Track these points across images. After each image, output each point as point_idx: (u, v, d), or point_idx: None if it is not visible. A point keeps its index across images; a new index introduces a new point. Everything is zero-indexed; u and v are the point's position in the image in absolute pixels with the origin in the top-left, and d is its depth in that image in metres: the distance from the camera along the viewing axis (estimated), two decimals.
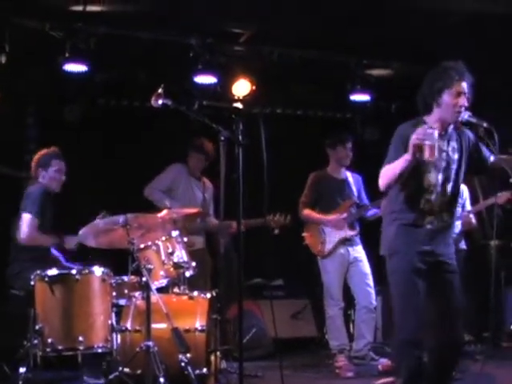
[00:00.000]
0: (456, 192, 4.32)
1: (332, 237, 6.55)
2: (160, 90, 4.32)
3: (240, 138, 4.01)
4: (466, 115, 4.17)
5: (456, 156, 4.28)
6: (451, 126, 4.29)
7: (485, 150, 4.35)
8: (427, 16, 6.49)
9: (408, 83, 4.63)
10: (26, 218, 5.43)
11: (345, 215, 6.55)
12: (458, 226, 6.42)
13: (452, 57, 4.28)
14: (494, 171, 4.34)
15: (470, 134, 4.36)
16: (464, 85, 4.17)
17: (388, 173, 4.12)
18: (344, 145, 6.66)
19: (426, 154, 3.95)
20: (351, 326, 7.28)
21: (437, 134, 3.98)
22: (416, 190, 4.19)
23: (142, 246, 5.41)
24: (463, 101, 4.16)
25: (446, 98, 4.16)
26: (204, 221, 6.91)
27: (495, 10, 6.37)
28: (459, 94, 4.15)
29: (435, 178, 4.20)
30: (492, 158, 4.33)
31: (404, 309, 4.17)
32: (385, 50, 7.30)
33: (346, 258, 6.56)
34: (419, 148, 3.94)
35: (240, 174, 3.94)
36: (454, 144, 4.29)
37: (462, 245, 6.72)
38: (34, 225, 5.44)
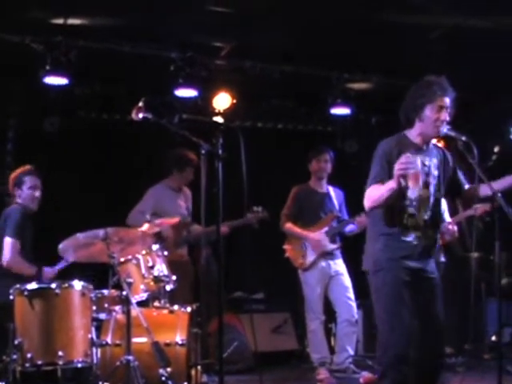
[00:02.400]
0: (438, 207, 4.35)
1: (313, 250, 6.55)
2: (141, 104, 4.30)
3: (220, 151, 4.02)
4: (445, 129, 4.22)
5: (436, 172, 4.31)
6: (432, 141, 4.35)
7: (461, 176, 4.43)
8: (408, 30, 6.54)
9: (387, 96, 4.65)
10: (8, 242, 5.40)
11: (326, 229, 6.56)
12: (437, 239, 6.43)
13: (433, 71, 4.33)
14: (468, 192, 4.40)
15: (449, 156, 4.42)
16: (446, 100, 4.22)
17: (374, 196, 4.14)
18: (318, 158, 6.67)
19: (411, 183, 4.01)
20: (332, 339, 7.29)
21: (420, 162, 4.04)
22: (399, 205, 4.19)
23: (122, 259, 5.37)
24: (444, 115, 4.21)
25: (428, 112, 4.21)
26: (189, 231, 6.86)
27: (476, 25, 6.43)
28: (441, 108, 4.21)
29: (417, 192, 4.19)
30: (466, 186, 4.41)
31: (394, 324, 4.14)
32: (365, 63, 7.35)
33: (326, 271, 6.55)
34: (403, 177, 3.97)
35: (220, 187, 3.95)
36: (435, 160, 4.32)
37: (442, 257, 6.73)
38: (16, 248, 5.41)
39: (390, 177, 4.07)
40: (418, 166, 4.01)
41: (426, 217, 4.25)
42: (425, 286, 4.26)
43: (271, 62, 7.39)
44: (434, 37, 6.62)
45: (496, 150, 7.61)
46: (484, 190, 4.29)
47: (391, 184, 4.00)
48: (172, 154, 6.93)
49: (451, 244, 7.01)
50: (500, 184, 4.24)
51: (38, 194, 5.67)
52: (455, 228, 6.58)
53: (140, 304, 5.28)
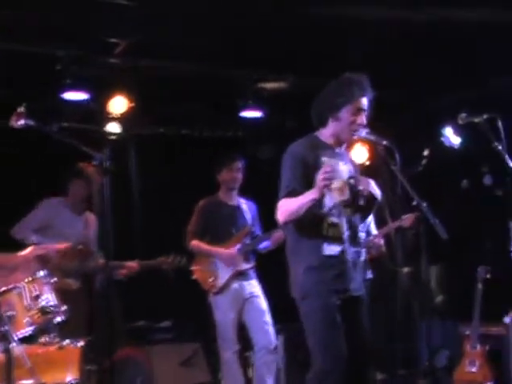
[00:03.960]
0: (359, 216, 4.36)
1: (225, 270, 6.50)
2: (21, 109, 4.19)
3: (107, 164, 3.99)
4: (363, 132, 4.28)
5: (353, 180, 4.30)
6: (344, 145, 4.42)
7: None
8: (328, 25, 6.47)
9: (304, 98, 4.61)
10: None
11: (238, 246, 6.52)
12: (363, 253, 6.40)
13: (354, 69, 4.35)
14: (394, 196, 4.39)
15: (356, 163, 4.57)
16: (365, 101, 4.29)
17: (290, 209, 4.13)
18: (229, 166, 6.64)
19: (336, 195, 4.02)
20: (250, 369, 7.20)
21: (346, 169, 4.12)
22: (317, 214, 4.18)
23: (1, 289, 5.09)
24: (362, 119, 4.28)
25: (345, 113, 4.27)
26: (84, 261, 6.65)
27: (409, 18, 6.40)
28: (359, 110, 4.27)
29: (335, 199, 4.16)
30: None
31: (328, 351, 4.17)
32: (279, 61, 7.23)
33: (240, 293, 6.51)
34: (327, 187, 3.99)
35: (108, 205, 3.88)
36: (349, 166, 4.37)
37: (369, 274, 6.70)
38: None
39: (306, 184, 4.05)
40: (342, 174, 4.03)
41: (346, 227, 4.26)
42: (351, 305, 4.28)
43: (173, 61, 7.25)
44: (353, 32, 6.56)
45: (425, 153, 7.69)
46: None
47: (313, 194, 4.01)
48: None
49: (379, 258, 7.02)
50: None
51: None
52: (382, 241, 6.60)
53: (25, 340, 5.01)
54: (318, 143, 4.31)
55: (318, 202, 4.14)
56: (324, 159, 4.19)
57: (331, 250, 4.20)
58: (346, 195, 4.03)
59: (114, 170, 3.91)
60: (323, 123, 4.33)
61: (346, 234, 4.23)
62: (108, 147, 3.99)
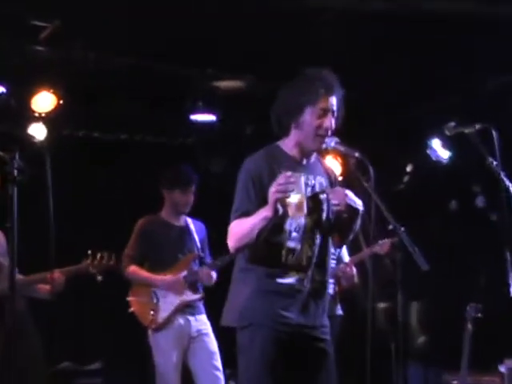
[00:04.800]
0: (328, 240, 4.32)
1: (167, 302, 6.47)
2: None
3: (16, 173, 4.02)
4: (332, 142, 4.19)
5: (325, 195, 4.27)
6: (314, 155, 4.35)
7: None
8: (290, 15, 6.50)
9: (265, 99, 4.57)
10: None
11: (184, 273, 6.49)
12: (331, 285, 6.35)
13: (321, 65, 4.29)
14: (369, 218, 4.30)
15: (335, 177, 4.49)
16: (332, 100, 4.20)
17: (240, 231, 4.09)
18: (185, 189, 6.63)
19: (292, 211, 3.94)
20: None
21: (303, 181, 3.99)
22: (275, 238, 4.12)
23: None
24: (328, 122, 4.18)
25: (308, 117, 4.18)
26: None
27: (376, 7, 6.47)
28: (325, 112, 4.18)
29: (299, 221, 4.14)
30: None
31: None
32: (236, 56, 7.24)
33: (186, 330, 6.47)
34: (282, 202, 3.93)
35: (14, 221, 3.87)
36: (321, 179, 4.33)
37: (338, 310, 6.70)
38: None
39: (260, 204, 4.02)
40: (301, 187, 3.93)
41: (310, 253, 4.18)
42: (311, 350, 4.20)
43: (112, 52, 7.23)
44: (322, 23, 6.61)
45: (408, 169, 7.70)
46: None
47: (265, 212, 3.96)
48: None
49: (350, 291, 7.01)
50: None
51: None
52: (354, 270, 6.57)
53: None
54: (278, 155, 4.25)
55: (278, 228, 4.10)
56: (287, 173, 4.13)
57: (287, 278, 4.13)
58: (303, 211, 3.98)
59: (26, 180, 3.87)
60: (285, 131, 4.27)
61: (309, 260, 4.17)
62: (26, 152, 3.94)
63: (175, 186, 6.61)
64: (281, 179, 3.88)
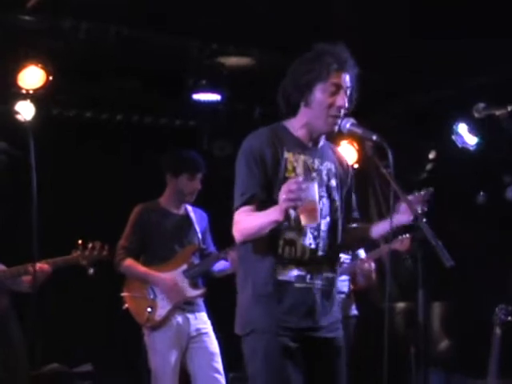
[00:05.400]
0: (337, 233, 4.30)
1: (165, 298, 6.50)
2: None
3: None
4: (348, 123, 4.17)
5: (334, 182, 4.31)
6: (323, 140, 4.32)
7: (355, 201, 4.50)
8: None
9: (276, 78, 4.56)
10: None
11: (184, 268, 6.53)
12: (345, 282, 6.39)
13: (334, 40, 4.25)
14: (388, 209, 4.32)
15: (348, 165, 4.50)
16: (345, 77, 4.17)
17: (248, 230, 4.11)
18: (193, 173, 6.64)
19: (304, 220, 3.95)
20: None
21: (316, 187, 3.98)
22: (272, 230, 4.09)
23: None
24: (341, 100, 4.15)
25: (319, 94, 4.16)
26: None
27: None
28: (337, 89, 4.15)
29: (302, 223, 4.10)
30: (356, 213, 4.51)
31: None
32: (243, 31, 7.23)
33: (184, 329, 6.50)
34: (293, 208, 3.91)
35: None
36: (329, 165, 4.33)
37: (353, 310, 6.75)
38: None
39: (268, 188, 4.06)
40: (314, 193, 3.94)
41: (314, 246, 4.18)
42: (318, 352, 4.21)
43: (105, 23, 7.25)
44: None
45: (431, 156, 7.71)
46: (378, 229, 4.32)
47: (274, 216, 3.95)
48: None
49: (367, 290, 7.05)
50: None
51: None
52: (372, 267, 6.58)
53: None
54: (282, 136, 4.23)
55: None
56: (287, 155, 4.17)
57: (286, 274, 4.14)
58: (316, 219, 4.00)
59: (7, 162, 3.94)
60: (292, 111, 4.25)
61: (312, 254, 4.17)
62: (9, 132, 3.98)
63: (182, 170, 6.62)
64: (292, 185, 3.85)
